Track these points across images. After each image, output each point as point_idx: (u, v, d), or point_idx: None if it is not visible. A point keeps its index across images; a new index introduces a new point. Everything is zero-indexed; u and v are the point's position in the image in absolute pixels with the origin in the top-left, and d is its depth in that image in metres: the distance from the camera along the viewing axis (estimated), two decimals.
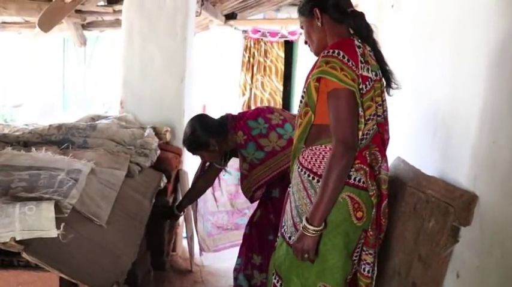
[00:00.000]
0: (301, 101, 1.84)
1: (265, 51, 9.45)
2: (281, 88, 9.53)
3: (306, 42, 1.93)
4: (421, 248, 2.24)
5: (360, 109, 1.67)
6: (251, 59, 9.46)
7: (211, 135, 2.51)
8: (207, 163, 2.86)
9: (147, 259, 2.66)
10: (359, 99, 1.66)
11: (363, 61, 1.68)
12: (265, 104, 9.52)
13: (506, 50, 1.82)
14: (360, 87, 1.67)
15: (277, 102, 9.51)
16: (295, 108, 9.49)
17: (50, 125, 2.83)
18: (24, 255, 1.50)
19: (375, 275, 1.86)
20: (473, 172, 2.04)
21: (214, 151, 2.55)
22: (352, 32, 1.81)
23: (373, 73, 1.72)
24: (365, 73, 1.68)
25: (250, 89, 9.49)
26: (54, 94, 8.50)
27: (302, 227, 1.69)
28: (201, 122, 2.57)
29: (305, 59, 8.87)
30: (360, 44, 1.72)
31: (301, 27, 1.92)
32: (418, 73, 2.58)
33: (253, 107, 9.42)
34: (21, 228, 1.54)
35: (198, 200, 3.08)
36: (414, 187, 2.31)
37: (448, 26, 2.43)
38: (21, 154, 2.17)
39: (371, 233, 1.76)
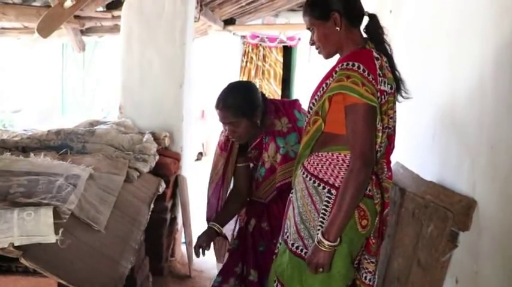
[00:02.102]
0: (311, 108, 1.80)
1: (264, 56, 9.50)
2: (279, 92, 9.55)
3: (312, 44, 1.85)
4: (420, 254, 2.24)
5: (379, 124, 1.66)
6: (249, 64, 9.50)
7: (258, 105, 2.23)
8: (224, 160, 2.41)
9: (146, 265, 2.65)
10: (378, 113, 1.64)
11: (380, 74, 1.65)
12: None
13: (504, 55, 1.82)
14: (378, 100, 1.66)
15: None
16: None
17: (49, 131, 2.83)
18: (22, 261, 1.50)
19: (375, 283, 1.85)
20: (472, 177, 2.04)
21: (254, 125, 2.23)
22: (365, 35, 1.77)
23: (389, 86, 1.68)
24: (382, 87, 1.66)
25: None
26: (53, 99, 8.49)
27: (317, 241, 1.67)
28: (253, 89, 2.30)
29: (303, 64, 8.92)
30: (378, 56, 1.69)
31: (309, 29, 1.82)
32: (416, 78, 2.59)
33: None
34: (19, 233, 1.54)
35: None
36: (413, 192, 2.31)
37: (447, 32, 2.44)
38: (19, 159, 2.18)
39: (373, 241, 1.75)
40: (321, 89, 1.77)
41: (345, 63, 1.66)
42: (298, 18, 8.43)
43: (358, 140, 1.63)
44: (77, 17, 4.13)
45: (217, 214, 2.43)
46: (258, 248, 2.32)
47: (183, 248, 3.71)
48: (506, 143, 1.78)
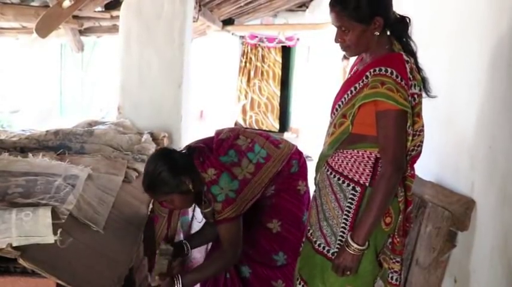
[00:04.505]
0: (336, 110, 1.79)
1: (263, 57, 9.51)
2: (278, 93, 9.56)
3: (339, 42, 1.75)
4: (419, 253, 2.24)
5: (410, 128, 1.66)
6: (248, 64, 9.51)
7: (182, 173, 2.01)
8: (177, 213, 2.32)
9: (144, 265, 2.65)
10: (410, 118, 1.65)
11: (411, 78, 1.65)
12: (263, 108, 9.56)
13: (501, 57, 1.83)
14: (410, 104, 1.64)
15: (275, 106, 9.56)
16: (293, 113, 9.54)
17: (47, 131, 2.83)
18: (20, 261, 1.50)
19: (401, 283, 1.83)
20: (471, 177, 2.05)
21: (188, 192, 2.04)
22: (390, 34, 1.75)
23: (418, 88, 1.68)
24: (413, 90, 1.66)
25: (246, 93, 9.53)
26: (52, 100, 8.47)
27: (346, 245, 1.68)
28: (166, 157, 2.05)
29: (302, 64, 8.92)
30: (408, 59, 1.67)
31: (340, 27, 1.71)
32: None
33: (249, 112, 9.45)
34: (17, 234, 1.53)
35: None
36: (412, 191, 2.31)
37: (444, 34, 2.45)
38: (18, 160, 2.17)
39: (398, 239, 1.75)
40: (348, 91, 1.74)
41: (377, 69, 1.64)
42: (297, 18, 8.45)
43: (390, 146, 1.64)
44: (75, 17, 4.13)
45: (191, 235, 2.39)
46: (240, 275, 2.27)
47: None
48: (504, 143, 1.78)
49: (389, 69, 1.62)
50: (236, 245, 2.10)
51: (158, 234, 2.33)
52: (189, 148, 2.15)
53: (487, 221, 1.90)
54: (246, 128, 9.12)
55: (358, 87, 1.70)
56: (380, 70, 1.63)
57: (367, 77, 1.67)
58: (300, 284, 1.86)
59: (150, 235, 2.39)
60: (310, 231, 1.85)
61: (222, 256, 2.12)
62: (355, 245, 1.65)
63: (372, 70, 1.66)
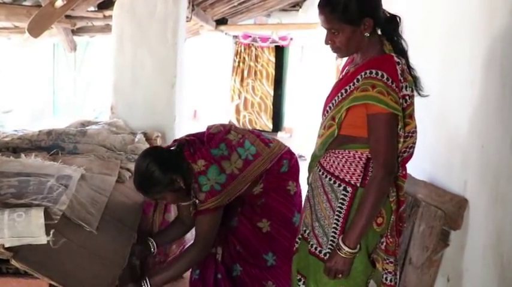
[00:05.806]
0: (327, 111, 1.79)
1: (256, 56, 9.51)
2: (272, 92, 9.57)
3: (329, 43, 1.74)
4: (412, 252, 2.25)
5: (401, 130, 1.65)
6: (241, 64, 9.52)
7: (173, 171, 2.02)
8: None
9: (138, 265, 2.64)
10: (401, 121, 1.64)
11: (402, 80, 1.64)
12: (256, 108, 9.56)
13: (494, 57, 1.84)
14: (401, 107, 1.64)
15: (268, 106, 9.56)
16: (287, 113, 9.54)
17: (40, 131, 2.81)
18: (13, 262, 1.49)
19: (398, 283, 1.83)
20: (463, 176, 2.06)
21: (180, 189, 2.06)
22: (380, 33, 1.74)
23: (410, 89, 1.68)
24: (404, 92, 1.65)
25: (239, 93, 9.54)
26: (44, 100, 8.45)
27: (337, 248, 1.68)
28: (156, 157, 2.04)
29: (295, 64, 8.93)
30: (399, 61, 1.66)
31: (330, 29, 1.70)
32: None
33: (243, 111, 9.45)
34: (10, 235, 1.53)
35: None
36: (404, 191, 2.32)
37: (437, 34, 2.46)
38: (10, 160, 2.16)
39: (391, 240, 1.75)
40: (339, 94, 1.74)
41: (368, 72, 1.64)
42: (290, 18, 8.45)
43: (381, 149, 1.64)
44: (68, 16, 4.11)
45: (157, 232, 2.40)
46: (232, 273, 2.26)
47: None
48: (496, 142, 1.79)
49: (380, 72, 1.61)
50: (209, 239, 2.11)
51: (153, 222, 2.39)
52: (179, 142, 2.16)
53: (480, 220, 1.91)
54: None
55: (348, 90, 1.70)
56: (371, 73, 1.63)
57: (358, 80, 1.67)
58: (304, 284, 1.86)
59: (142, 227, 2.40)
60: (307, 231, 1.86)
61: (191, 250, 2.14)
62: (347, 249, 1.65)
63: (363, 73, 1.66)
